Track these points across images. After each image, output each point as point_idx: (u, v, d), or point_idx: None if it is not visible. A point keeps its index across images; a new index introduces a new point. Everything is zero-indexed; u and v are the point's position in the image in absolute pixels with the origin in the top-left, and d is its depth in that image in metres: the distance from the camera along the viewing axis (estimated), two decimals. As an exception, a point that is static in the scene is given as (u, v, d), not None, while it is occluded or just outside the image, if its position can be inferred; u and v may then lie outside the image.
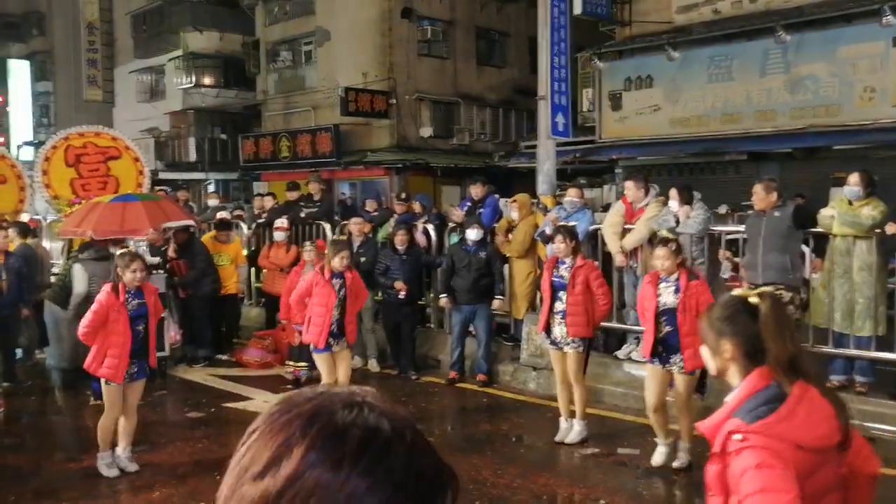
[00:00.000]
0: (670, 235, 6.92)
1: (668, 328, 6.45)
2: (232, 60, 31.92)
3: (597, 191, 19.47)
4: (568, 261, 7.35)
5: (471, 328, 10.01)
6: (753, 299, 2.56)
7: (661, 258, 6.42)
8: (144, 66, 35.63)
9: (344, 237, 11.03)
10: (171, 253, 11.15)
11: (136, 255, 7.14)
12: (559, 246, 7.39)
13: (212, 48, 32.44)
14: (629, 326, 9.07)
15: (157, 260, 10.49)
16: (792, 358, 2.45)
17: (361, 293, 8.30)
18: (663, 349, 6.51)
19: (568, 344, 7.28)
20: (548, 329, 7.47)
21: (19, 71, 42.28)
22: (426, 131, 25.53)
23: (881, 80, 15.08)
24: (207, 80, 32.83)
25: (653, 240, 8.76)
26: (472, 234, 9.90)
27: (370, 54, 25.34)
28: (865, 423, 7.25)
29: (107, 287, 6.78)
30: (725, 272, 8.46)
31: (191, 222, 11.51)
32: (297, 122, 27.81)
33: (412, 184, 23.25)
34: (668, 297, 6.44)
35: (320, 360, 7.94)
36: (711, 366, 2.68)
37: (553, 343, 7.45)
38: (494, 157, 23.96)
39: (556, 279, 7.39)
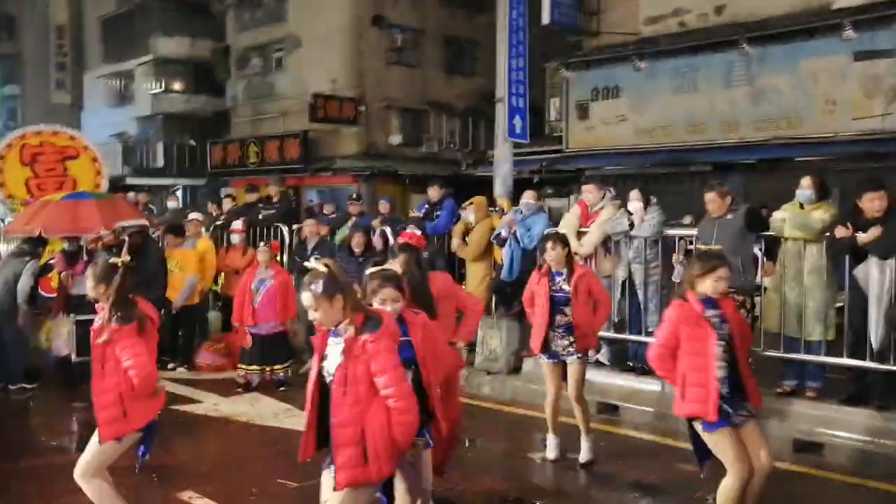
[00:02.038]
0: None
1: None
2: (202, 66, 31.76)
3: (563, 200, 19.43)
4: (564, 272, 6.74)
5: None
6: None
7: None
8: (114, 70, 35.38)
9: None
10: (123, 255, 10.92)
11: (387, 278, 4.64)
12: (551, 254, 6.70)
13: (182, 53, 32.28)
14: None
15: None
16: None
17: (746, 330, 5.52)
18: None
19: (572, 355, 6.78)
20: (544, 345, 6.89)
21: (-14, 74, 41.84)
22: (395, 139, 25.51)
23: (842, 92, 15.26)
24: (177, 86, 32.68)
25: (609, 241, 8.79)
26: None
27: (340, 61, 25.29)
28: (816, 428, 7.22)
29: None
30: (679, 276, 8.39)
31: (145, 222, 11.27)
32: (266, 128, 27.69)
33: (380, 191, 23.13)
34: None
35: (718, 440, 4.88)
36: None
37: (552, 356, 6.87)
38: (463, 165, 23.90)
39: (556, 294, 6.76)
